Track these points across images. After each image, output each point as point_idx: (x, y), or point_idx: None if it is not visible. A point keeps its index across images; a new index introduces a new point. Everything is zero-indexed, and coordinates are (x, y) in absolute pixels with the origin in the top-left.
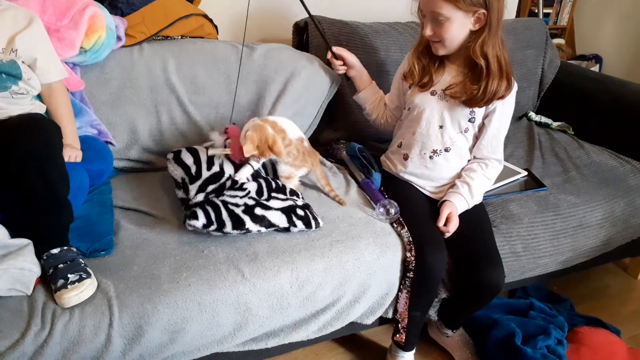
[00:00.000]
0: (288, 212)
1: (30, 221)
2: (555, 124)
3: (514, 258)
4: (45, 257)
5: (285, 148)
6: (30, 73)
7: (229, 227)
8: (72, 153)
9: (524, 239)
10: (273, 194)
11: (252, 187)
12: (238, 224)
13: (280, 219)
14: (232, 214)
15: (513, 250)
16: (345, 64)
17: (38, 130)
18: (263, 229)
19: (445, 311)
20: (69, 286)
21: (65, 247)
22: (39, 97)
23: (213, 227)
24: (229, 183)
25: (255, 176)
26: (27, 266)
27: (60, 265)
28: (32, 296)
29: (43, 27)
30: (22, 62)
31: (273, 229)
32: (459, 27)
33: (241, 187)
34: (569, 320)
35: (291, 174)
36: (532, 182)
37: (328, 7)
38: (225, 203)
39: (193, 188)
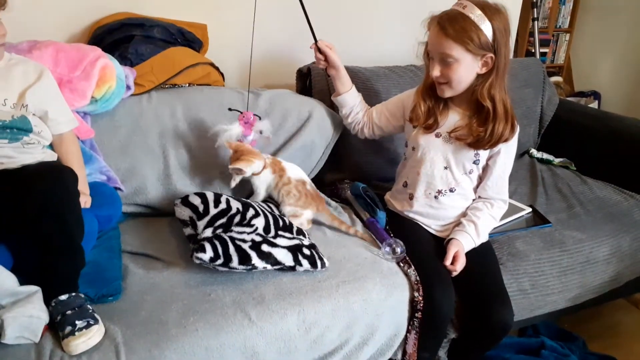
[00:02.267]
0: (294, 250)
1: (42, 266)
2: (557, 160)
3: (522, 296)
4: (53, 304)
5: (284, 187)
6: (41, 125)
7: (235, 262)
8: (82, 199)
9: (532, 276)
10: (280, 232)
11: (259, 223)
12: (244, 259)
13: (286, 257)
14: (238, 249)
15: (521, 287)
16: (326, 60)
17: (57, 177)
18: (269, 266)
19: (455, 352)
20: (76, 333)
21: (73, 294)
22: (50, 145)
23: (220, 261)
24: (237, 218)
25: (264, 211)
26: (36, 313)
27: (68, 312)
28: (39, 344)
29: (53, 79)
30: (33, 114)
31: (279, 267)
32: (466, 69)
33: (249, 223)
34: (583, 358)
35: (296, 213)
36: (537, 219)
37: None
38: (232, 238)
39: (201, 224)
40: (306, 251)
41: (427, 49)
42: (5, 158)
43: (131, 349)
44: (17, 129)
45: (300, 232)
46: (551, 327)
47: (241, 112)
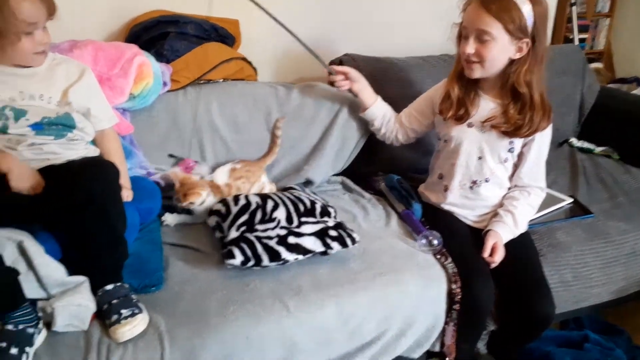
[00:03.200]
0: (321, 235)
1: (88, 258)
2: (598, 149)
3: (564, 288)
4: (100, 293)
5: (235, 182)
6: (84, 122)
7: (266, 260)
8: (124, 193)
9: (574, 268)
10: (303, 219)
11: (281, 215)
12: (274, 256)
13: (314, 244)
14: (266, 247)
15: (562, 279)
16: (347, 78)
17: (101, 171)
18: (300, 257)
19: (494, 344)
20: (122, 321)
21: (118, 284)
22: (93, 141)
23: (251, 263)
24: (259, 214)
25: (283, 200)
26: (84, 302)
27: (114, 301)
28: (88, 331)
29: (94, 78)
30: (76, 112)
31: (310, 255)
32: (501, 50)
33: (271, 218)
34: (628, 352)
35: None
36: (578, 209)
37: (361, 45)
38: (259, 238)
39: (226, 225)
40: (333, 232)
41: (462, 26)
42: (52, 154)
43: (174, 337)
44: (61, 125)
45: (324, 213)
46: (595, 320)
47: (182, 159)
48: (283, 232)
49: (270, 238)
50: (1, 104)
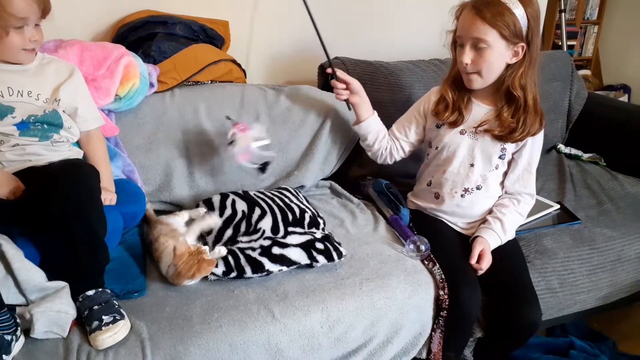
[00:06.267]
0: (307, 247)
1: (68, 263)
2: (585, 156)
3: (551, 294)
4: (80, 299)
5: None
6: (70, 122)
7: (249, 272)
8: (107, 196)
9: (560, 275)
10: (290, 228)
11: (266, 225)
12: (257, 267)
13: (300, 256)
14: (249, 258)
15: (549, 286)
16: (348, 88)
17: (79, 175)
18: (284, 268)
19: (481, 351)
20: (103, 328)
21: (100, 289)
22: (77, 143)
23: (233, 275)
24: (243, 226)
25: (271, 207)
26: (64, 308)
27: (95, 307)
28: (67, 338)
29: (82, 78)
30: (63, 111)
31: (295, 266)
32: (498, 57)
33: (255, 229)
34: (613, 358)
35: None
36: (565, 216)
37: (351, 48)
38: (242, 249)
39: (210, 240)
40: (319, 245)
41: (457, 35)
42: (34, 156)
43: (156, 344)
44: (47, 124)
45: (313, 223)
46: (580, 327)
47: (236, 122)
48: (267, 242)
49: (253, 249)
50: None
